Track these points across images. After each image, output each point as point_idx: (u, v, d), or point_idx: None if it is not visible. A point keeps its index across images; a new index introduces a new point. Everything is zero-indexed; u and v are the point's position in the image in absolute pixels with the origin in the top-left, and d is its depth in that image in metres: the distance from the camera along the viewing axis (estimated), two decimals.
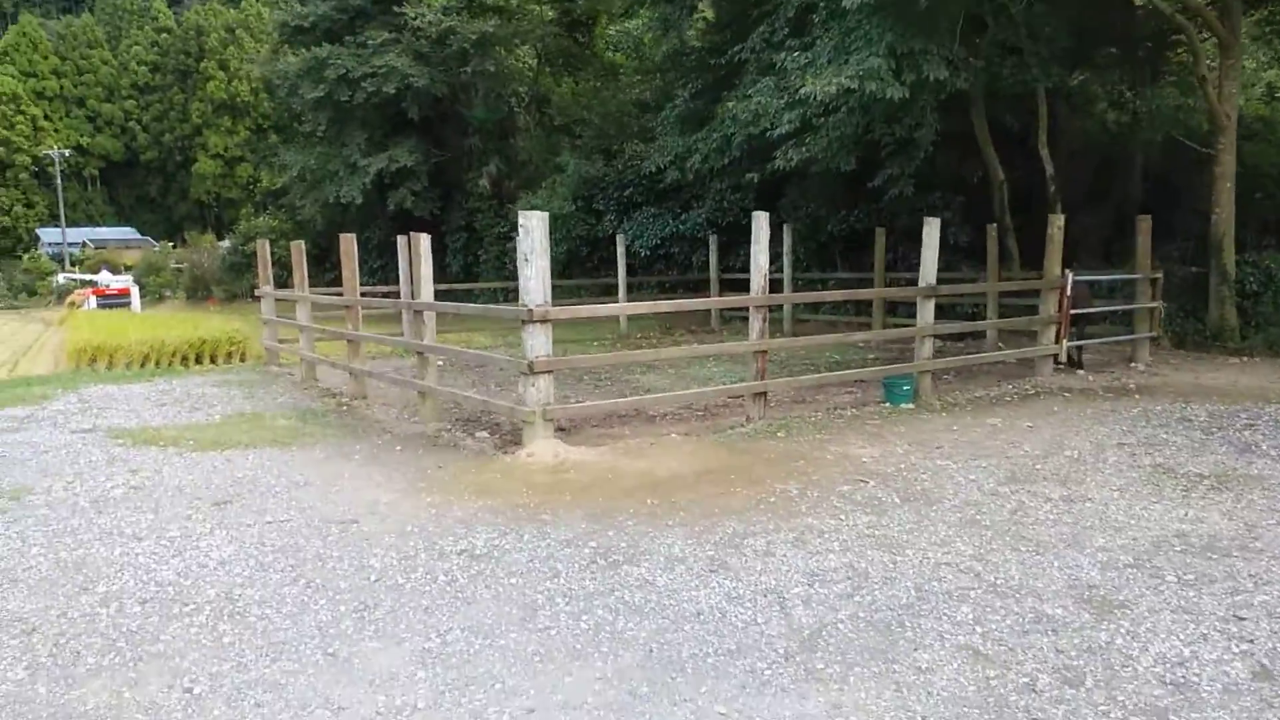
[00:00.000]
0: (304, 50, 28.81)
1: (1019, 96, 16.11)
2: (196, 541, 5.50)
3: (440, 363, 11.69)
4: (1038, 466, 7.06)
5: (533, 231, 7.18)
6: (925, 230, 9.76)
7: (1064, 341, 11.20)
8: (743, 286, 22.18)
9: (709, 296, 20.07)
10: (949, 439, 8.21)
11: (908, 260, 18.37)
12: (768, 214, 8.75)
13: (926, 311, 9.83)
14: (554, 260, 28.01)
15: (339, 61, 27.69)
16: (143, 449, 8.31)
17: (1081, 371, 11.44)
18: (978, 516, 5.76)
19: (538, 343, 7.27)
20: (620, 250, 19.13)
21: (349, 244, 10.85)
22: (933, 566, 4.86)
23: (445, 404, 9.70)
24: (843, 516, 5.74)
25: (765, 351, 8.82)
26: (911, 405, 9.69)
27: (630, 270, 26.53)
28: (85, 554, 5.31)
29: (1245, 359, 13.36)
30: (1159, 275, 12.73)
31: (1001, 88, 13.52)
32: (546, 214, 7.26)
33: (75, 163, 68.49)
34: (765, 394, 8.86)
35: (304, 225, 34.52)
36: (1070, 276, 11.08)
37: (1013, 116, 16.62)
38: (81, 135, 70.96)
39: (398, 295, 14.59)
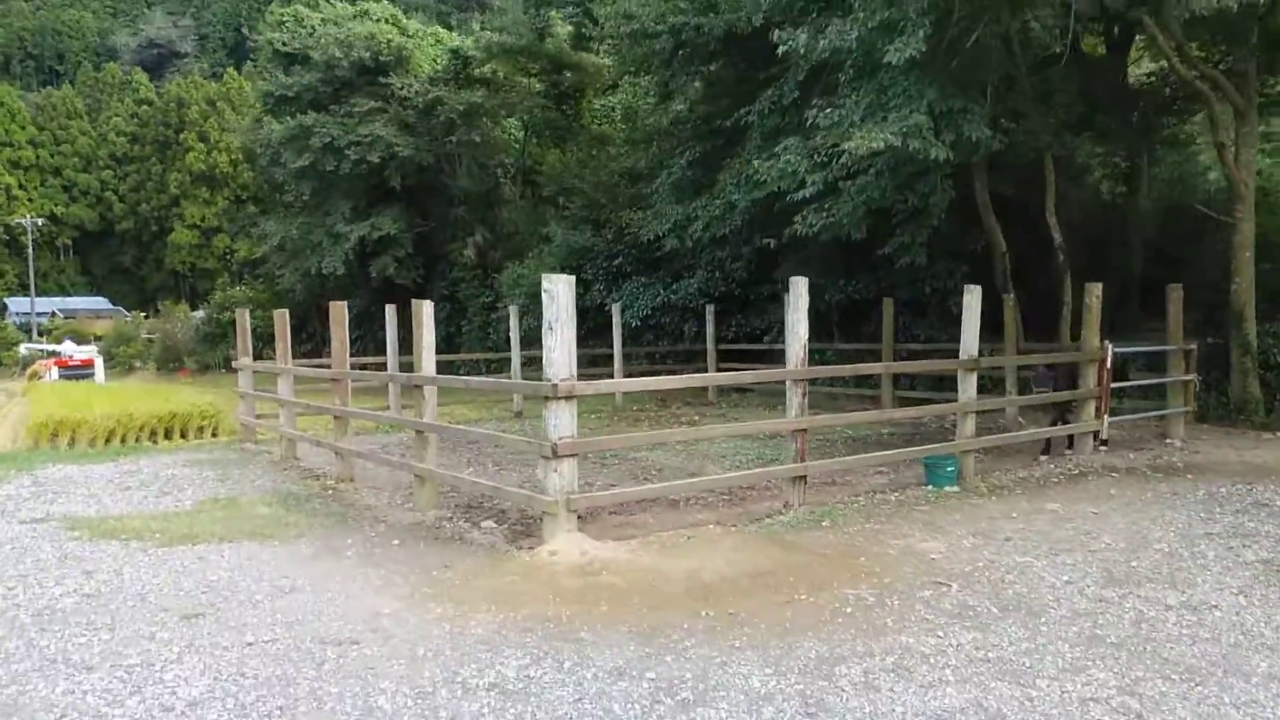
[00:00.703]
0: (288, 119, 28.31)
1: (1016, 165, 15.74)
2: (160, 672, 4.48)
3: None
4: (1133, 564, 6.20)
5: (558, 297, 6.36)
6: (966, 299, 9.05)
7: (1105, 417, 10.46)
8: (740, 358, 21.96)
9: (705, 367, 19.33)
10: (1013, 529, 7.35)
11: (909, 331, 17.81)
12: (805, 279, 7.99)
13: (969, 385, 9.06)
14: (537, 332, 27.25)
15: (324, 130, 27.19)
16: (102, 543, 7.26)
17: (1104, 449, 10.63)
18: (1098, 631, 4.87)
19: (562, 421, 6.39)
20: (616, 320, 18.36)
21: (339, 312, 9.98)
22: (1078, 704, 3.95)
23: (443, 489, 8.74)
24: (940, 633, 4.83)
25: (805, 430, 7.97)
26: (955, 488, 8.86)
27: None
28: (18, 693, 4.27)
29: (1278, 433, 12.71)
30: (1193, 347, 12.11)
31: (1007, 155, 13.06)
32: (572, 278, 6.46)
33: (48, 232, 67.61)
34: (805, 478, 7.99)
35: (282, 295, 33.66)
36: (1110, 348, 10.40)
37: (1008, 186, 16.24)
38: (56, 204, 70.24)
39: (381, 367, 13.71)
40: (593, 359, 24.44)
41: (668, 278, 23.58)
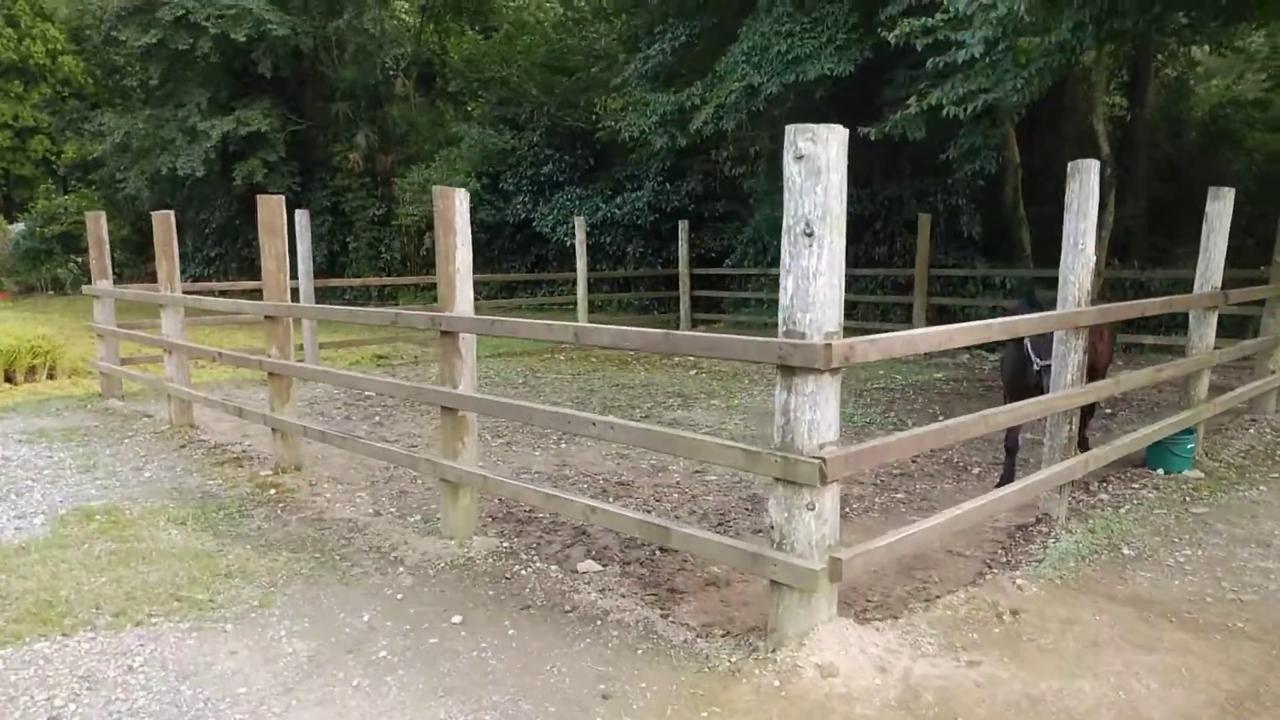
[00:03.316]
0: None
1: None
2: None
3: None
4: None
5: (824, 171, 3.24)
6: (1212, 208, 6.40)
7: None
8: (707, 285, 18.84)
9: (678, 297, 16.37)
10: None
11: (907, 255, 15.34)
12: (1096, 162, 5.10)
13: (1209, 328, 6.49)
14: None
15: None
16: None
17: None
18: None
19: (825, 414, 3.33)
20: (580, 237, 15.03)
21: (272, 212, 6.40)
22: None
23: (488, 499, 5.53)
24: None
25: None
26: (1197, 472, 6.35)
27: (540, 263, 22.41)
28: None
29: None
30: None
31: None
32: (845, 133, 3.31)
33: None
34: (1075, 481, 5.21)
35: (124, 204, 28.32)
36: None
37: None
38: None
39: (253, 295, 9.97)
40: (508, 286, 20.98)
41: (608, 190, 20.26)
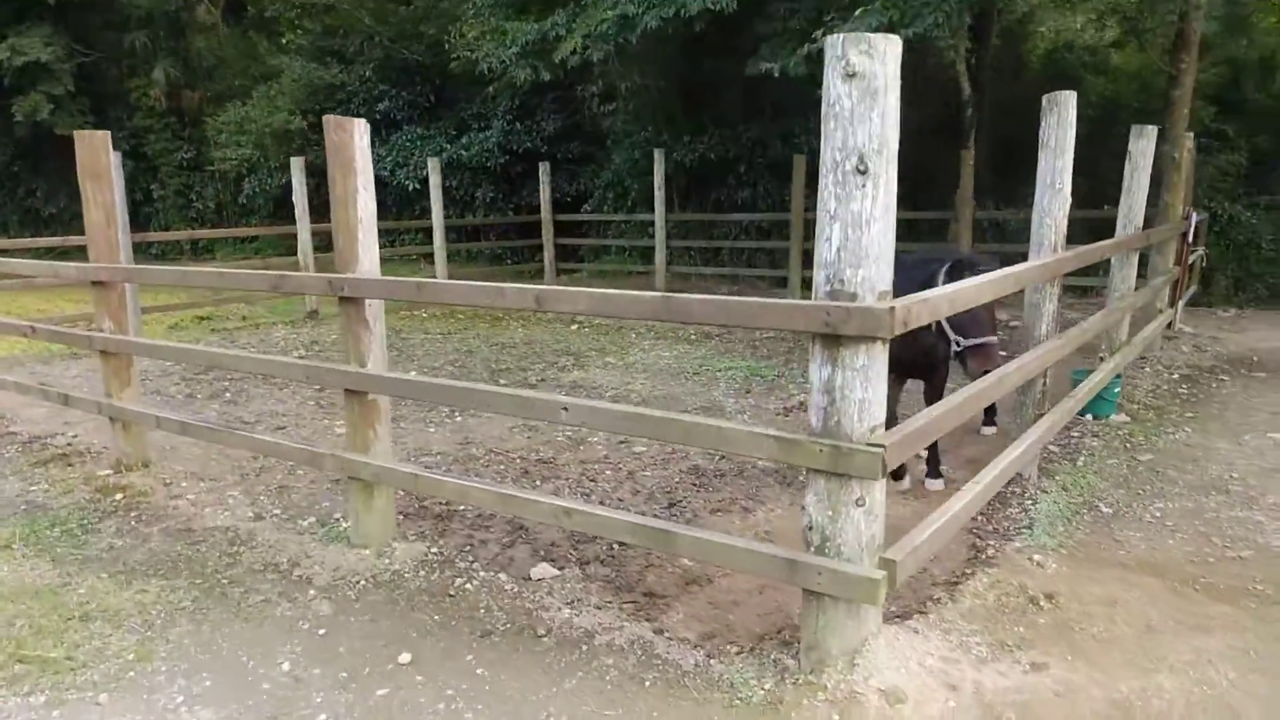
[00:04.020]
0: None
1: None
2: None
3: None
4: None
5: (882, 93, 2.62)
6: (1134, 145, 6.26)
7: (1180, 304, 8.40)
8: (569, 231, 17.73)
9: (541, 245, 15.48)
10: None
11: (776, 197, 15.14)
12: (1073, 94, 4.70)
13: (1131, 270, 6.41)
14: (266, 196, 20.89)
15: None
16: None
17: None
18: None
19: (876, 393, 2.76)
20: (435, 180, 13.82)
21: (93, 151, 5.15)
22: None
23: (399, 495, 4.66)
24: None
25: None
26: (1123, 416, 6.31)
27: (378, 210, 20.79)
28: None
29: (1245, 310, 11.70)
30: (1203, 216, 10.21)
31: None
32: (898, 42, 2.68)
33: None
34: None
35: None
36: (1195, 217, 8.24)
37: None
38: None
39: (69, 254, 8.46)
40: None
41: (452, 130, 18.90)
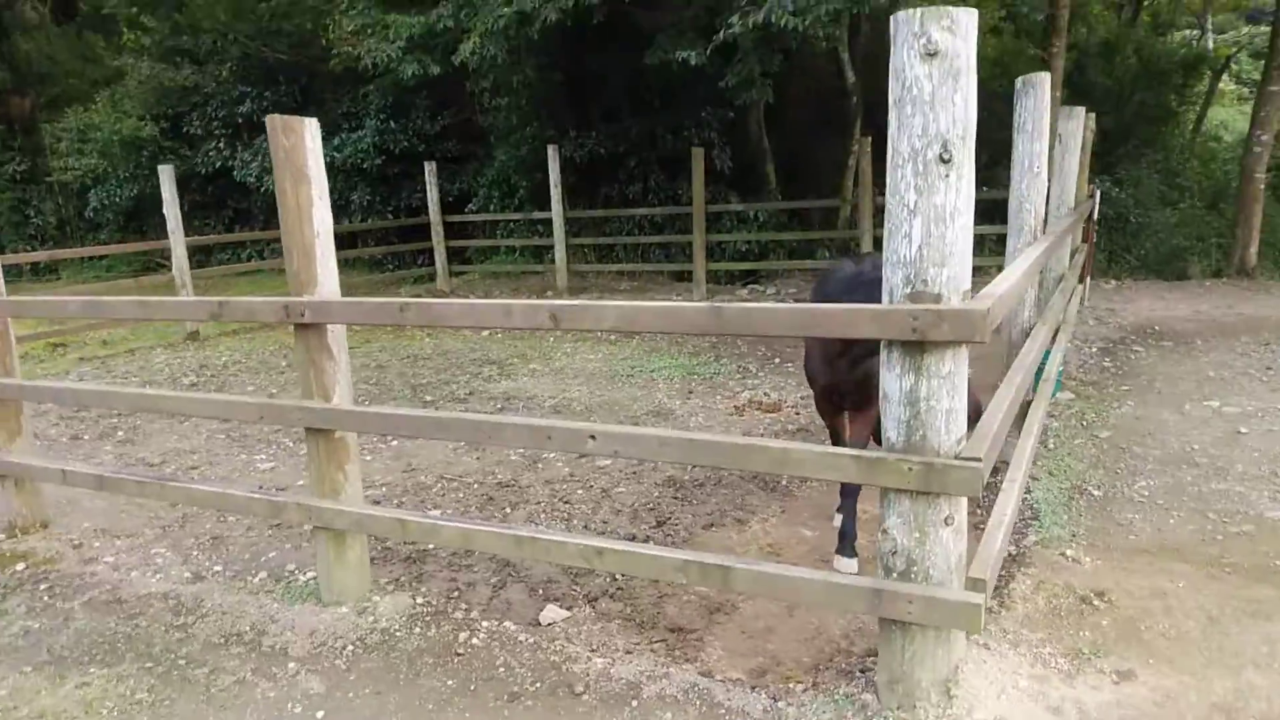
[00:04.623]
0: None
1: None
2: None
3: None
4: None
5: (965, 74, 2.39)
6: (1064, 126, 6.35)
7: (1088, 281, 8.68)
8: (461, 232, 16.92)
9: (432, 248, 14.80)
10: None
11: (668, 191, 15.01)
12: (1047, 75, 4.62)
13: (1064, 251, 6.51)
14: (115, 209, 19.10)
15: None
16: None
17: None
18: None
19: (960, 402, 2.54)
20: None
21: None
22: None
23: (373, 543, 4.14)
24: None
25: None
26: (1069, 394, 6.41)
27: (241, 219, 19.46)
28: None
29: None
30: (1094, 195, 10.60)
31: None
32: (976, 13, 2.45)
33: None
34: None
35: None
36: (1098, 194, 8.51)
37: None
38: None
39: None
40: (204, 249, 17.87)
41: (323, 131, 17.81)
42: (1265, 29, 26.42)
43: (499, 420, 3.20)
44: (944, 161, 2.42)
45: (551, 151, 13.30)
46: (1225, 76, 19.67)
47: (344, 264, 16.64)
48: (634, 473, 5.28)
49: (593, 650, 3.29)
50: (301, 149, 3.41)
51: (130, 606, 3.85)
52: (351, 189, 17.54)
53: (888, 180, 2.53)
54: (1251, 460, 4.97)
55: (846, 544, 3.86)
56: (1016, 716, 2.60)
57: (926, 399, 2.53)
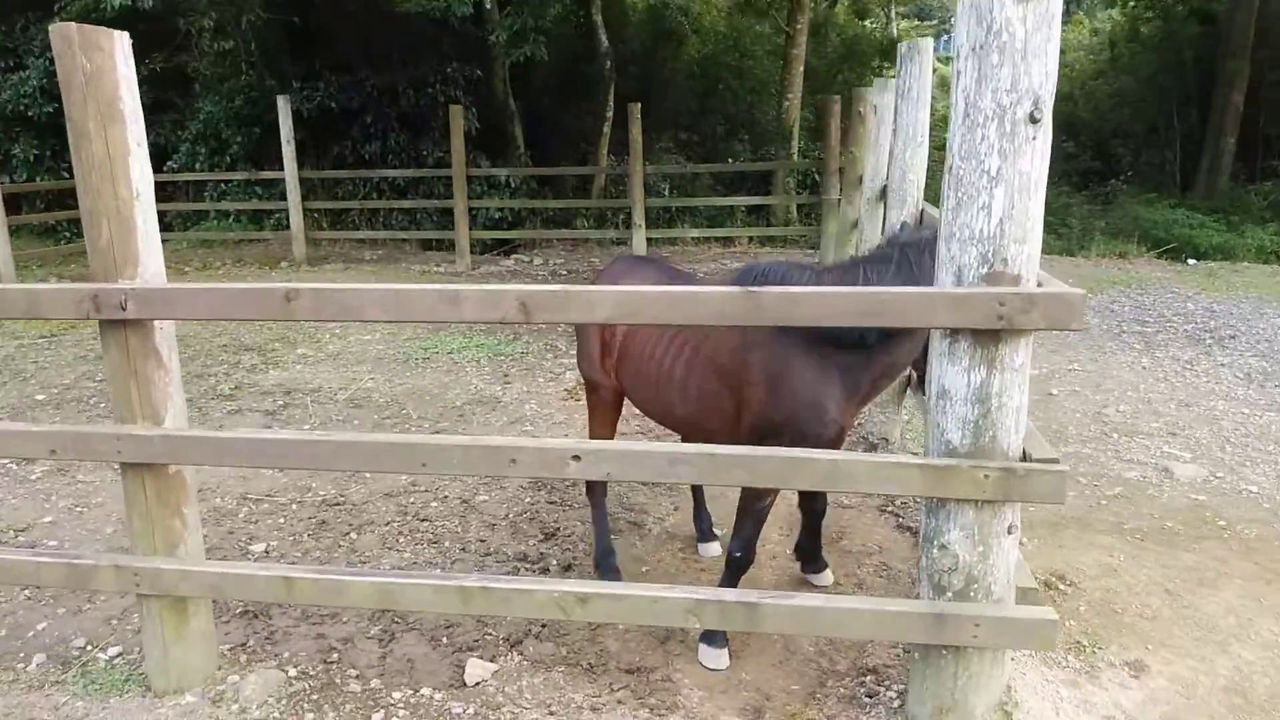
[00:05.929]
0: None
1: None
2: None
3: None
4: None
5: (1056, 21, 2.07)
6: (880, 99, 6.42)
7: None
8: (164, 194, 14.05)
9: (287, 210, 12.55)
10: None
11: (410, 153, 14.01)
12: (931, 41, 4.47)
13: (878, 224, 6.62)
14: None
15: None
16: None
17: None
18: None
19: (1025, 398, 2.25)
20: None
21: None
22: None
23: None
24: None
25: None
26: None
27: None
28: None
29: None
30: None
31: None
32: None
33: None
34: None
35: None
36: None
37: None
38: None
39: None
40: None
41: None
42: (930, 24, 29.78)
43: (441, 442, 2.48)
44: (1034, 121, 2.09)
45: (282, 103, 11.75)
46: None
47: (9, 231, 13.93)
48: (488, 477, 4.60)
49: (550, 713, 2.68)
50: (112, 73, 2.42)
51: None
52: (12, 141, 14.60)
53: (957, 143, 2.16)
54: (1076, 422, 5.28)
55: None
56: None
57: (998, 395, 2.22)
